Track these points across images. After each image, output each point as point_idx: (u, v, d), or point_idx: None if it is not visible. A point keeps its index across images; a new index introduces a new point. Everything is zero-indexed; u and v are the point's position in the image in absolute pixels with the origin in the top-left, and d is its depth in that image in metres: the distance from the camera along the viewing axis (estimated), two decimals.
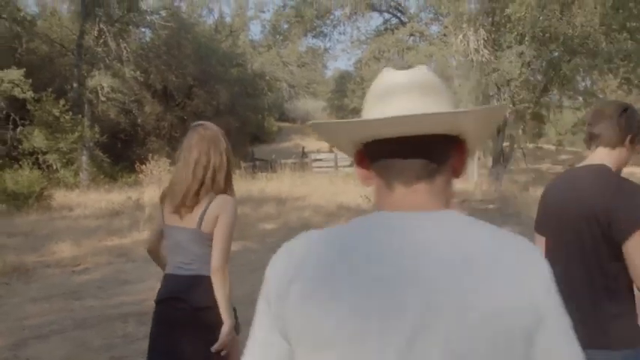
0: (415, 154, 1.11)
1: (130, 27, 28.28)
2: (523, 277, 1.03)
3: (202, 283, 2.95)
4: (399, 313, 1.00)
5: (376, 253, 1.05)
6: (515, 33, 15.60)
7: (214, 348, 2.88)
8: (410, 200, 1.11)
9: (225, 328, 2.91)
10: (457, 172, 1.20)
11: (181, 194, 3.00)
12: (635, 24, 16.26)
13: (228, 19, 39.19)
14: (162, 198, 3.19)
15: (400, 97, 1.12)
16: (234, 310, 3.05)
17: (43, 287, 8.13)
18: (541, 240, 2.67)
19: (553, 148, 34.35)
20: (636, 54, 15.83)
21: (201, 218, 2.98)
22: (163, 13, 28.58)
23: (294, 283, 1.05)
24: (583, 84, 19.75)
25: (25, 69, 22.70)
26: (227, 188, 3.09)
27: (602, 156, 2.50)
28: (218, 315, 2.91)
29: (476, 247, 1.04)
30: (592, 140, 2.55)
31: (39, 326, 6.27)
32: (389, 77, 1.16)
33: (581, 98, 19.95)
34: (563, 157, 31.41)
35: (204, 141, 3.04)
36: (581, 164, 2.62)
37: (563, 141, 36.57)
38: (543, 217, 2.70)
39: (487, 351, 0.98)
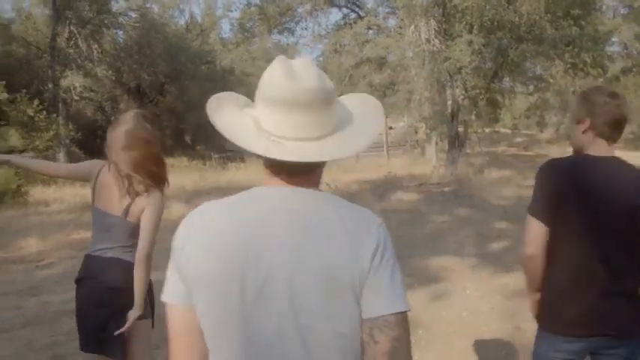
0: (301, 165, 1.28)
1: (102, 28, 27.60)
2: (354, 243, 1.23)
3: (120, 265, 2.94)
4: (255, 266, 1.22)
5: (251, 217, 1.28)
6: (465, 22, 15.32)
7: (122, 330, 2.86)
8: (287, 182, 1.31)
9: (132, 312, 2.89)
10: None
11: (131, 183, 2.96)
12: (578, 11, 16.04)
13: (198, 19, 38.79)
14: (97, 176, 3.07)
15: (316, 113, 1.27)
16: (151, 300, 3.05)
17: (3, 284, 7.70)
18: (538, 226, 2.38)
19: (509, 131, 34.47)
20: (580, 39, 15.62)
21: (128, 208, 2.93)
22: (134, 14, 28.07)
23: (191, 237, 1.29)
24: (533, 70, 19.57)
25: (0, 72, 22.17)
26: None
27: (610, 149, 2.41)
28: (128, 299, 2.89)
29: (321, 217, 1.26)
30: (613, 137, 2.43)
31: None
32: (289, 86, 1.24)
33: (532, 85, 19.83)
34: (518, 139, 31.63)
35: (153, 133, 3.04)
36: (597, 154, 2.39)
37: (518, 125, 36.73)
38: (560, 204, 2.36)
39: (319, 298, 1.21)
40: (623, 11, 25.85)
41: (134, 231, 2.94)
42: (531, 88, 20.23)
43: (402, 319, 1.24)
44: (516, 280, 6.34)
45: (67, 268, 8.30)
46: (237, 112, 1.35)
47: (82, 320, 3.08)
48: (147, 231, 2.89)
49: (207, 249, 1.26)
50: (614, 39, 23.57)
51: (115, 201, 2.96)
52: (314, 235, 1.23)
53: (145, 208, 2.92)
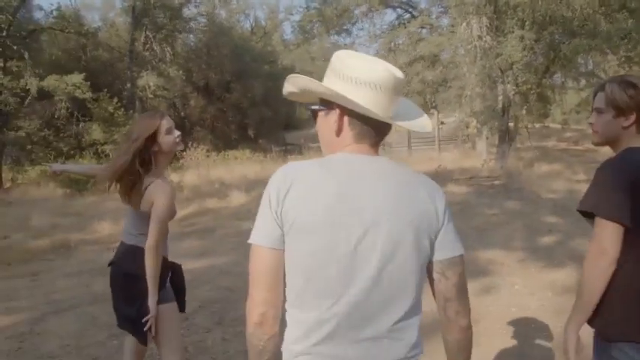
0: (382, 130, 1.51)
1: (175, 33, 28.02)
2: (432, 200, 1.46)
3: (135, 252, 2.87)
4: (359, 214, 1.39)
5: (348, 175, 1.43)
6: (516, 19, 14.59)
7: (146, 319, 2.83)
8: (369, 151, 1.50)
9: (149, 301, 2.82)
10: None
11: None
12: (635, 4, 14.85)
13: (262, 22, 38.94)
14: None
15: (394, 98, 1.48)
16: (180, 285, 3.08)
17: (78, 263, 7.86)
18: (617, 229, 1.95)
19: (559, 126, 32.85)
20: (636, 32, 14.42)
21: (139, 199, 2.85)
22: (203, 19, 28.44)
23: (291, 190, 1.39)
24: (585, 65, 18.46)
25: (87, 73, 23.45)
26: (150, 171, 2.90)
27: None
28: (144, 285, 2.82)
29: (405, 177, 1.48)
30: None
31: (61, 301, 5.95)
32: (385, 73, 1.44)
33: (584, 80, 18.75)
34: (569, 134, 30.19)
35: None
36: None
37: (568, 120, 34.88)
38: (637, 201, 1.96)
39: (411, 241, 1.41)
40: None
41: (147, 220, 2.83)
42: (582, 83, 19.14)
43: (462, 260, 1.49)
44: (567, 276, 5.85)
45: None
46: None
47: (113, 301, 3.11)
48: (153, 222, 2.79)
49: (311, 198, 1.37)
50: None
51: (130, 193, 2.93)
52: (404, 191, 1.44)
53: (154, 199, 2.82)
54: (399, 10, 24.04)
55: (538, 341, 4.25)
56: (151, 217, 2.79)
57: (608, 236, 1.96)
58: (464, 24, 14.89)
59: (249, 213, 10.85)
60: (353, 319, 1.39)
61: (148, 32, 25.28)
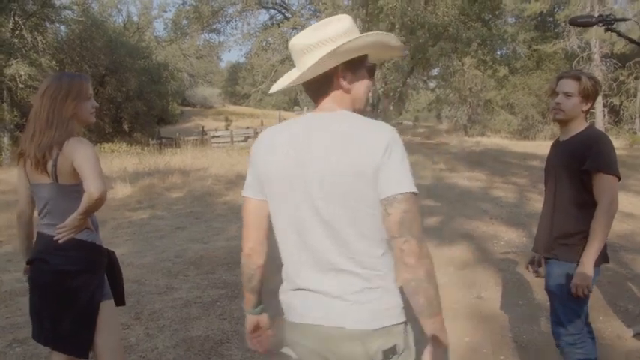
0: (319, 86, 1.54)
1: (46, 22, 25.16)
2: (368, 144, 1.41)
3: (66, 245, 2.22)
4: (304, 165, 1.47)
5: (296, 133, 1.52)
6: (387, 22, 14.87)
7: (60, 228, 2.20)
8: (320, 108, 1.57)
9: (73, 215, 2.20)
10: (344, 89, 1.55)
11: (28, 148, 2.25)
12: (487, 15, 15.92)
13: (135, 18, 36.79)
14: (21, 157, 2.31)
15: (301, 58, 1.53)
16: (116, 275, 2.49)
17: None
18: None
19: (411, 123, 34.43)
20: (490, 40, 15.52)
21: (54, 169, 2.17)
22: (76, 9, 25.90)
23: (258, 149, 1.58)
24: (446, 67, 19.42)
25: None
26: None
27: None
28: (81, 280, 2.25)
29: (346, 128, 1.46)
30: None
31: None
32: (294, 40, 1.55)
33: (434, 82, 19.78)
34: (420, 130, 31.83)
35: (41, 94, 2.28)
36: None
37: (418, 117, 36.79)
38: None
39: (347, 184, 1.42)
40: (510, 20, 26.45)
41: (71, 193, 2.26)
42: (433, 84, 20.23)
43: (409, 198, 1.40)
44: (462, 251, 5.91)
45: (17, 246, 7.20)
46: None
47: (34, 309, 2.40)
48: (87, 170, 2.18)
49: (271, 153, 1.53)
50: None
51: (42, 168, 2.29)
52: (341, 140, 1.44)
53: (72, 160, 2.22)
54: (272, 10, 23.75)
55: (458, 315, 4.14)
56: (80, 169, 2.15)
57: (617, 190, 2.34)
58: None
59: (138, 204, 9.96)
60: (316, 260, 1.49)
61: (16, 18, 22.31)
